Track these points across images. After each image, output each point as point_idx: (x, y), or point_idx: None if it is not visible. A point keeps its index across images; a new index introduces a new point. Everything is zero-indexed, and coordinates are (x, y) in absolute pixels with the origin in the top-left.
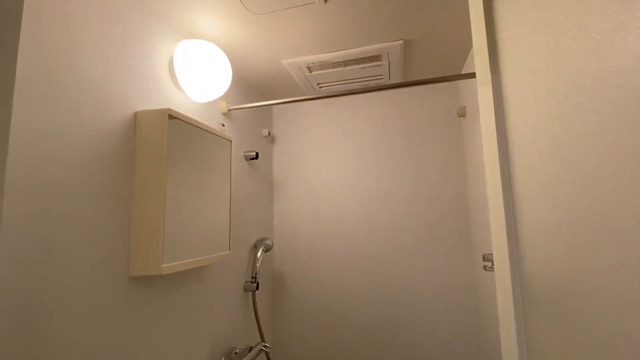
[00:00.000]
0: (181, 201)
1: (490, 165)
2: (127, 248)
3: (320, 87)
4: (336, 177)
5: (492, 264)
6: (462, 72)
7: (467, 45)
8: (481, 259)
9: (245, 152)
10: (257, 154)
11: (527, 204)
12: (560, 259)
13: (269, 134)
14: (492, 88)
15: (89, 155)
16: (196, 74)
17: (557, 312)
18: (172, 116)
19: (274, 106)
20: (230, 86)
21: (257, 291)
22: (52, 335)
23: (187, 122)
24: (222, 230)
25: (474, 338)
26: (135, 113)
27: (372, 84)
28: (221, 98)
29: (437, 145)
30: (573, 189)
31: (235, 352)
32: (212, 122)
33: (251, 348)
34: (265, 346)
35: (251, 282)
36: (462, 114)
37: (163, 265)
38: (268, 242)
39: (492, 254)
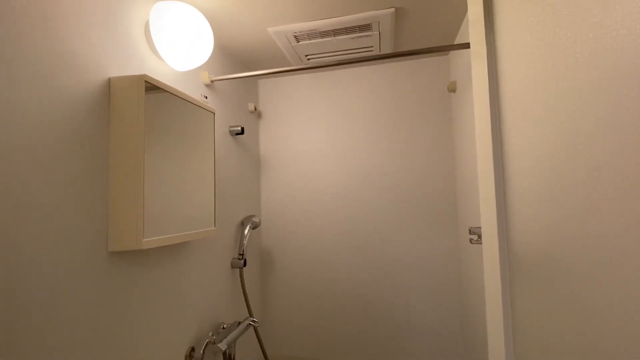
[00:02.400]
0: (162, 174)
1: (481, 137)
2: (105, 222)
3: (309, 59)
4: (324, 153)
5: (479, 237)
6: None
7: (460, 14)
8: (467, 232)
9: (230, 127)
10: (242, 129)
11: (519, 175)
12: (549, 228)
13: (255, 109)
14: (487, 57)
15: (59, 122)
16: (174, 38)
17: (543, 279)
18: (148, 83)
19: (260, 80)
20: (213, 56)
21: (244, 268)
22: (29, 315)
23: (165, 90)
24: (206, 205)
25: (457, 308)
26: (109, 79)
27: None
28: (203, 68)
29: (426, 121)
30: (568, 156)
31: (223, 327)
32: (193, 93)
33: (239, 323)
34: (253, 321)
35: (238, 259)
36: (452, 89)
37: (144, 240)
38: (255, 219)
39: (479, 228)
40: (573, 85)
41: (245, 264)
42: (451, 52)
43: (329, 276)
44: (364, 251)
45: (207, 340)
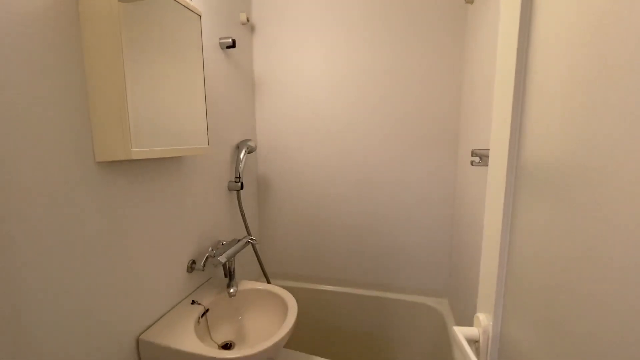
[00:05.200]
0: (146, 81)
1: (505, 49)
2: (89, 131)
3: None
4: (323, 76)
5: (480, 159)
6: None
7: None
8: (469, 154)
9: (220, 38)
10: (233, 41)
11: (540, 87)
12: (568, 138)
13: (248, 20)
14: None
15: (18, 12)
16: None
17: (552, 189)
18: None
19: None
20: None
21: (241, 191)
22: (15, 232)
23: None
24: (197, 121)
25: (448, 231)
26: None
27: None
28: None
29: (436, 36)
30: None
31: (222, 244)
32: None
33: (238, 240)
34: (251, 239)
35: (235, 181)
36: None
37: (133, 150)
38: (251, 143)
39: (482, 149)
40: None
41: (242, 187)
42: None
43: (325, 201)
44: (360, 177)
45: (207, 254)
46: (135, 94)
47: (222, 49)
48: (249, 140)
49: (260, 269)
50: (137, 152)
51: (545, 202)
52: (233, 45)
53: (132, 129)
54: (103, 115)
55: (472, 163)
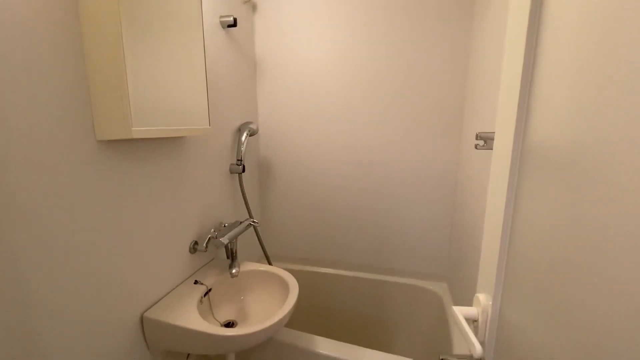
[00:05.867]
0: (146, 58)
1: (514, 27)
2: (89, 110)
3: None
4: (326, 56)
5: (485, 142)
6: None
7: None
8: (473, 138)
9: (221, 17)
10: (235, 20)
11: (550, 65)
12: (577, 118)
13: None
14: None
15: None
16: None
17: (558, 175)
18: None
19: None
20: None
21: (243, 174)
22: (16, 212)
23: None
24: (198, 101)
25: (449, 214)
26: None
27: None
28: None
29: (442, 18)
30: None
31: (224, 226)
32: None
33: (240, 223)
34: (253, 221)
35: (237, 164)
36: None
37: (133, 129)
38: (253, 126)
39: (487, 132)
40: None
41: (244, 170)
42: None
43: (327, 184)
44: (362, 160)
45: (210, 235)
46: (136, 72)
47: (222, 28)
48: (251, 122)
49: (261, 251)
50: (138, 130)
51: (551, 183)
52: (234, 24)
53: (133, 107)
54: (103, 93)
55: (476, 146)
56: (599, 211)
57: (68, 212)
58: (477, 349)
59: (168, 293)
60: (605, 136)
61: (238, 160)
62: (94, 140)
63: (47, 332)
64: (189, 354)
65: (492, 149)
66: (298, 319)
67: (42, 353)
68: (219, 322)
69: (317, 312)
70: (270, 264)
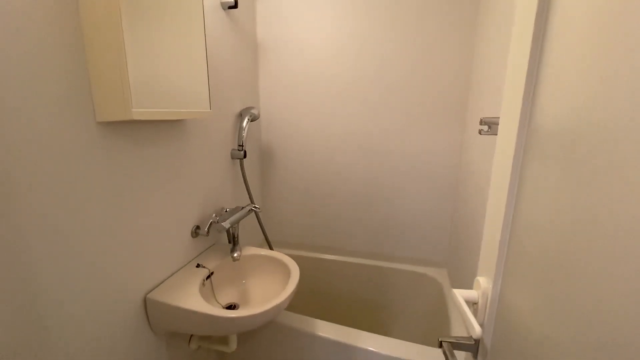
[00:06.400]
0: (146, 39)
1: (523, 9)
2: (88, 91)
3: None
4: (329, 40)
5: (489, 128)
6: None
7: None
8: (477, 123)
9: None
10: (236, 0)
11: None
12: (584, 99)
13: None
14: None
15: None
16: None
17: (563, 158)
18: None
19: None
20: None
21: (245, 159)
22: (18, 195)
23: None
24: (199, 84)
25: (451, 201)
26: None
27: None
28: None
29: (447, 2)
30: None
31: (226, 211)
32: None
33: (242, 208)
34: (254, 207)
35: (238, 149)
36: None
37: (133, 110)
38: (254, 111)
39: (491, 117)
40: None
41: (245, 155)
42: None
43: (328, 170)
44: (364, 146)
45: (211, 220)
46: (135, 54)
47: (223, 9)
48: (252, 107)
49: (263, 237)
50: (138, 112)
51: (555, 166)
52: (235, 5)
53: (133, 89)
54: (103, 74)
55: (480, 132)
56: (604, 195)
57: (68, 194)
58: (477, 330)
59: (171, 276)
60: (615, 115)
61: (239, 145)
62: (94, 122)
63: (51, 315)
64: (191, 335)
65: (496, 135)
66: (298, 305)
67: (45, 328)
68: (221, 304)
69: (318, 298)
70: (271, 249)
